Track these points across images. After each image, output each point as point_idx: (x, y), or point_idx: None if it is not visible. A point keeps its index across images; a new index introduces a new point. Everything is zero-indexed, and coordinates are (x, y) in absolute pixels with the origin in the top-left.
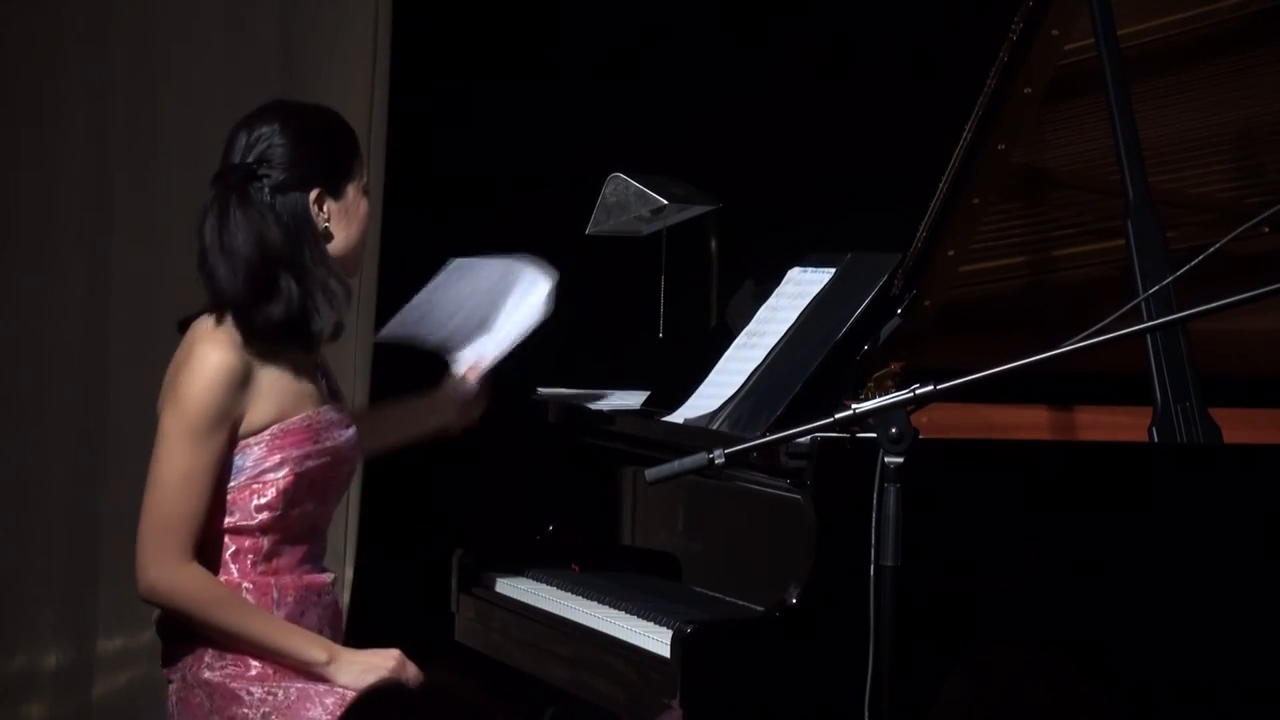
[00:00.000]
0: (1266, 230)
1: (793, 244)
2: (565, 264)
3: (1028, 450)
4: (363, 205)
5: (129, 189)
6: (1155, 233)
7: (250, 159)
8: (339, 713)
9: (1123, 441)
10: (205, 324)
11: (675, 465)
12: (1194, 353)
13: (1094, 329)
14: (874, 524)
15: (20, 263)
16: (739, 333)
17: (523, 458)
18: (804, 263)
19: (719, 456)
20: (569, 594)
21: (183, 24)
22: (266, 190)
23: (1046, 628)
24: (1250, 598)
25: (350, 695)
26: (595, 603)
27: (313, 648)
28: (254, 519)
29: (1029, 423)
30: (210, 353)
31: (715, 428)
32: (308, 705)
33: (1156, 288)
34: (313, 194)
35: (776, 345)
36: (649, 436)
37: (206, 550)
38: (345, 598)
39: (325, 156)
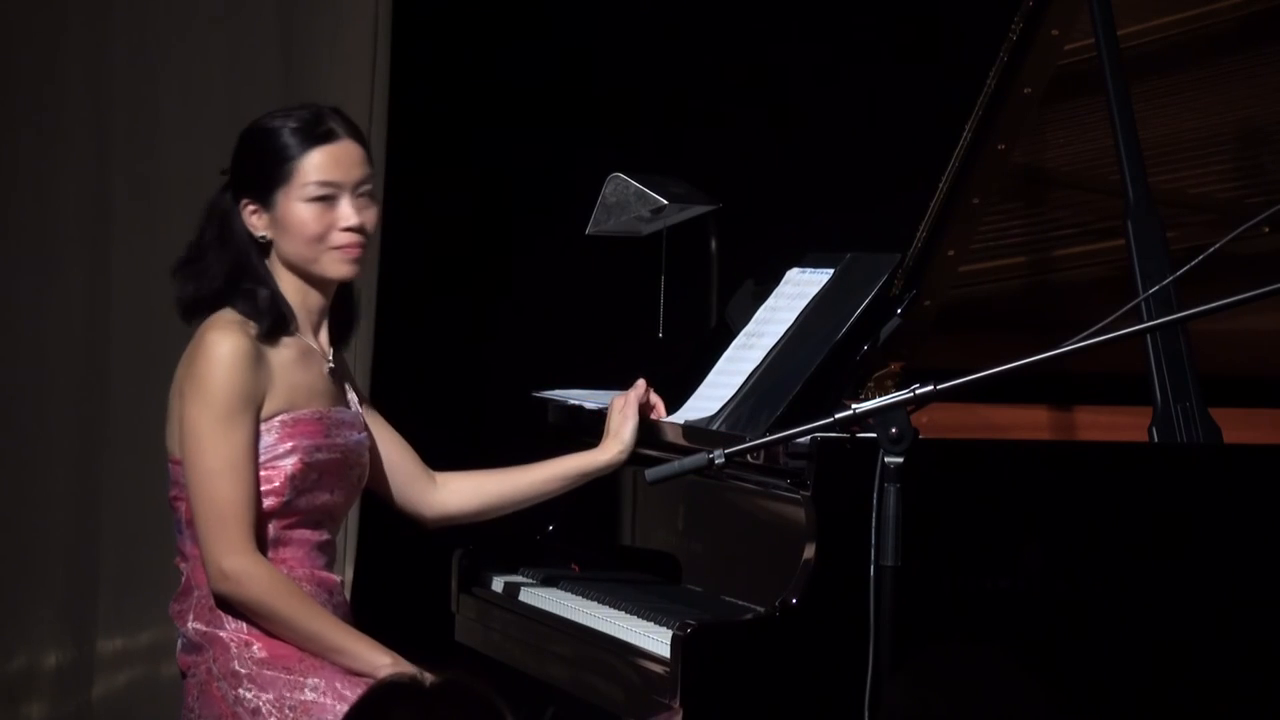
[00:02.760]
0: (1266, 230)
1: (793, 244)
2: (565, 264)
3: (1028, 450)
4: (297, 212)
5: (129, 189)
6: (1155, 233)
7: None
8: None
9: (1123, 441)
10: (211, 317)
11: (675, 465)
12: (1194, 353)
13: (1094, 329)
14: (874, 524)
15: (20, 263)
16: (739, 333)
17: (522, 458)
18: (804, 263)
19: (719, 456)
20: (569, 594)
21: (183, 24)
22: (224, 198)
23: (1045, 628)
24: (1250, 598)
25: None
26: (595, 603)
27: (375, 651)
28: (261, 503)
29: (1029, 423)
30: (220, 338)
31: (715, 428)
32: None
33: (1156, 288)
34: (244, 204)
35: (776, 345)
36: (649, 437)
37: None
38: (345, 597)
39: (251, 167)
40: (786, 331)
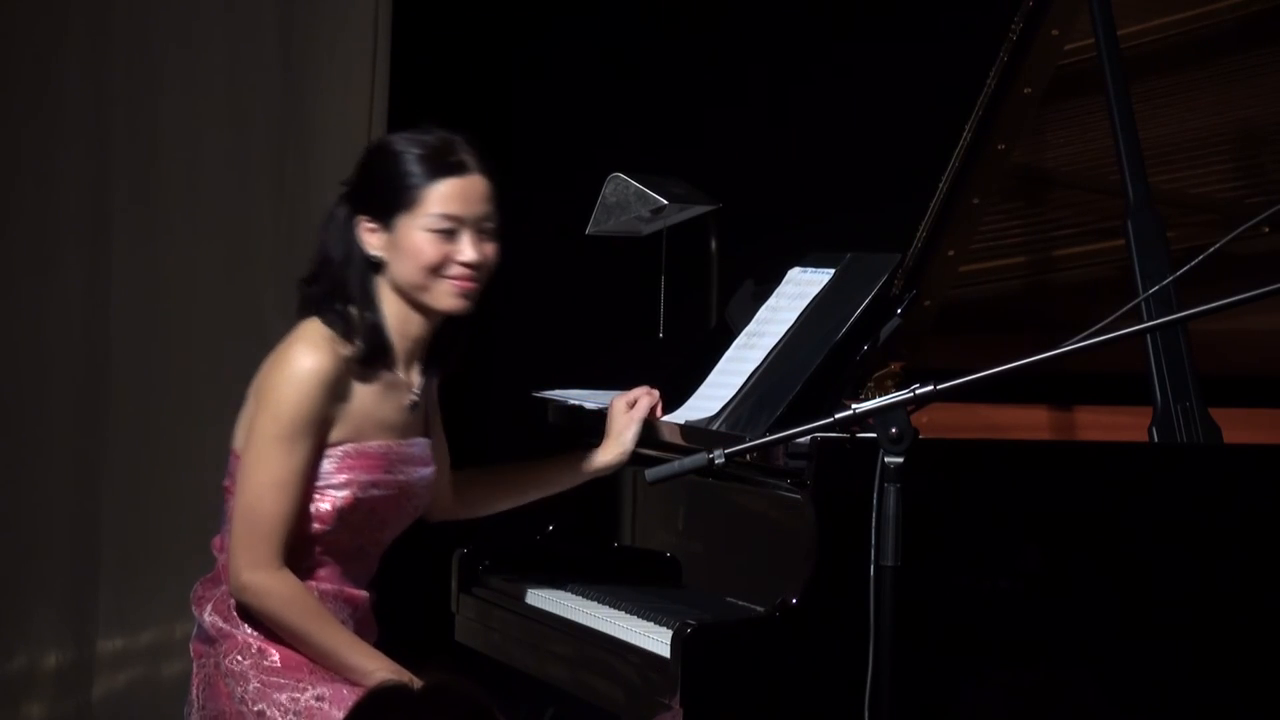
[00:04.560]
0: (1266, 230)
1: (793, 244)
2: (565, 264)
3: (1028, 450)
4: (416, 240)
5: (128, 189)
6: (1155, 233)
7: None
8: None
9: (1123, 441)
10: (308, 324)
11: (675, 465)
12: (1194, 353)
13: (1094, 329)
14: (874, 524)
15: (20, 263)
16: (739, 333)
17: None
18: (804, 263)
19: (719, 456)
20: (569, 594)
21: (183, 24)
22: (342, 209)
23: (1046, 628)
24: (1250, 598)
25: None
26: (595, 603)
27: (388, 673)
28: (302, 522)
29: (1029, 423)
30: (306, 354)
31: (715, 428)
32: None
33: (1156, 288)
34: (361, 220)
35: (776, 345)
36: (649, 437)
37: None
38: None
39: (376, 186)
40: (787, 331)
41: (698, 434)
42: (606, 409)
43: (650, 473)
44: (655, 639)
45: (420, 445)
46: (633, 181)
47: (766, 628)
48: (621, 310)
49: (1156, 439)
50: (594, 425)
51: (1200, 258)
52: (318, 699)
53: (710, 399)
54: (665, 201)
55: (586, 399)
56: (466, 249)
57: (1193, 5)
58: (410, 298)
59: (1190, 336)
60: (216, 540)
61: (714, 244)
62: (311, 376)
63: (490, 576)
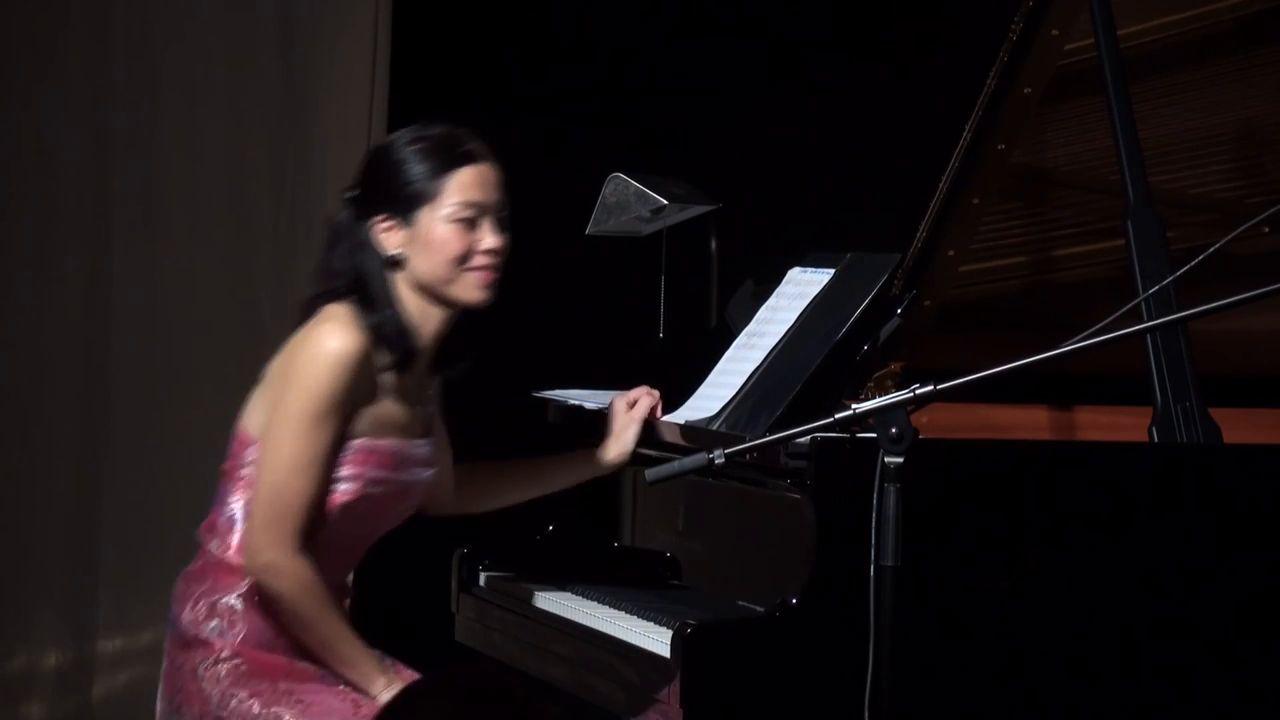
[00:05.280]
0: (1266, 230)
1: (793, 244)
2: (565, 264)
3: (1028, 450)
4: (440, 231)
5: (129, 189)
6: (1155, 233)
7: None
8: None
9: (1123, 441)
10: (334, 307)
11: (675, 465)
12: (1194, 353)
13: (1094, 329)
14: (874, 524)
15: (20, 263)
16: (739, 333)
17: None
18: (804, 263)
19: (719, 456)
20: (569, 594)
21: (183, 24)
22: (347, 215)
23: (1046, 628)
24: (1250, 598)
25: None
26: (595, 603)
27: (376, 671)
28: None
29: (1029, 423)
30: (335, 334)
31: (715, 428)
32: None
33: (1156, 288)
34: (377, 221)
35: (776, 345)
36: (649, 436)
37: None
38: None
39: (391, 184)
40: (787, 332)
41: (698, 434)
42: (606, 409)
43: (650, 473)
44: (655, 639)
45: (426, 446)
46: (633, 181)
47: (766, 628)
48: (621, 310)
49: (1156, 439)
50: (594, 425)
51: (1200, 258)
52: (297, 702)
53: (710, 399)
54: (665, 201)
55: (586, 399)
56: (489, 236)
57: (1193, 5)
58: (433, 292)
59: (1190, 336)
60: (205, 524)
61: (714, 244)
62: (342, 355)
63: (490, 576)
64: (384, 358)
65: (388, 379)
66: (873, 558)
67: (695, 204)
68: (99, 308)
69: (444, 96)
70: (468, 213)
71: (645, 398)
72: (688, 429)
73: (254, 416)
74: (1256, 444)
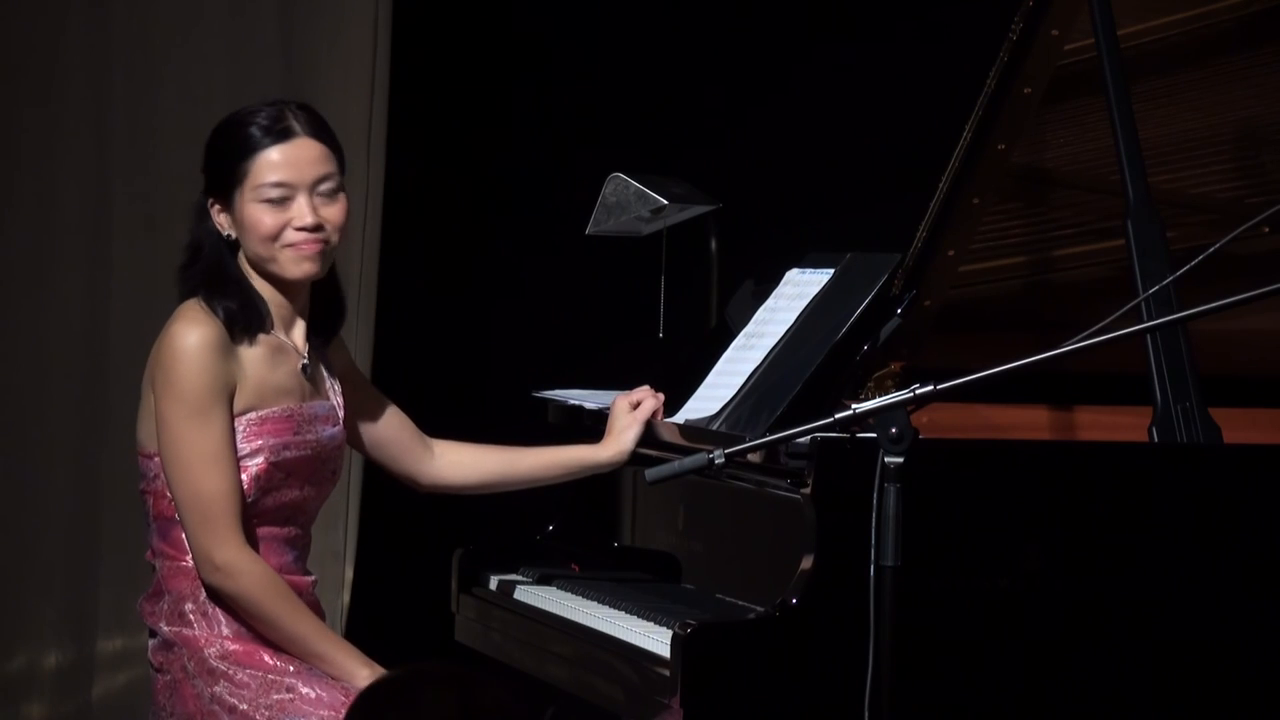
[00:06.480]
0: (1266, 230)
1: (793, 244)
2: (565, 264)
3: (1028, 450)
4: (252, 212)
5: (129, 190)
6: (1155, 233)
7: None
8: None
9: (1123, 441)
10: (182, 307)
11: (675, 465)
12: (1194, 353)
13: (1094, 329)
14: (874, 524)
15: (20, 262)
16: (739, 333)
17: None
18: (803, 263)
19: (719, 456)
20: (569, 594)
21: (183, 24)
22: (202, 196)
23: (1046, 628)
24: (1250, 598)
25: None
26: (595, 603)
27: (355, 661)
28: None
29: (1029, 423)
30: (186, 329)
31: (715, 428)
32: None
33: (1156, 288)
34: (211, 203)
35: (776, 345)
36: (649, 436)
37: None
38: (345, 597)
39: (215, 166)
40: (786, 332)
41: (698, 434)
42: (607, 409)
43: (650, 473)
44: (655, 639)
45: (323, 405)
46: (633, 181)
47: (766, 628)
48: (621, 310)
49: (1156, 439)
50: (594, 425)
51: (1200, 258)
52: (288, 690)
53: (710, 399)
54: (665, 201)
55: (586, 399)
56: (303, 213)
57: (1193, 5)
58: (262, 270)
59: (1190, 336)
60: (149, 551)
61: (714, 244)
62: (199, 346)
63: (490, 576)
64: (241, 334)
65: (256, 351)
66: (873, 558)
67: (695, 204)
68: (99, 308)
69: (444, 96)
70: (275, 193)
71: (649, 399)
72: (687, 429)
73: (143, 430)
74: (1256, 444)
